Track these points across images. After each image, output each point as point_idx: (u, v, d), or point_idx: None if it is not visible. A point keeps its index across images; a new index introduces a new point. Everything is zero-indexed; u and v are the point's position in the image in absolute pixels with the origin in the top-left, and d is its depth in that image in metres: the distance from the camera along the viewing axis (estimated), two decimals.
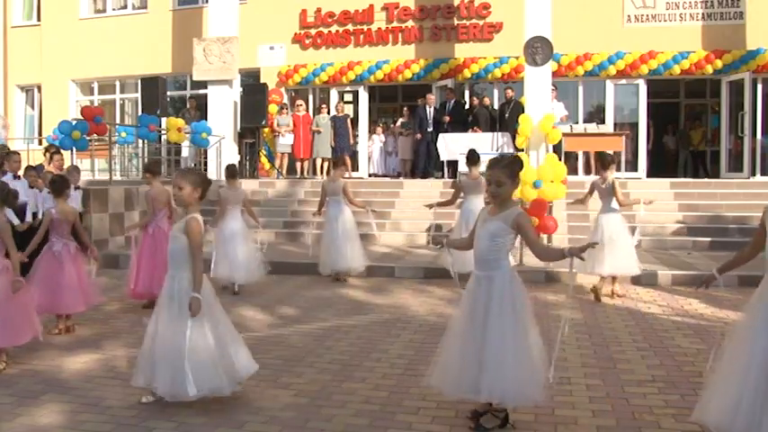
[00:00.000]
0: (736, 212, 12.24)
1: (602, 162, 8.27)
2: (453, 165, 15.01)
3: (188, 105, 18.06)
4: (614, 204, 8.06)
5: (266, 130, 17.55)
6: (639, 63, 16.53)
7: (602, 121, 16.99)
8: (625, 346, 5.97)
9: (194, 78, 17.66)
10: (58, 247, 6.40)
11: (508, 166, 4.03)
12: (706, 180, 15.32)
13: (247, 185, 15.00)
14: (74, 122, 12.68)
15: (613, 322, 6.90)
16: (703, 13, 16.58)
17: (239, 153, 17.55)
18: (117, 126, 17.78)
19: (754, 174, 15.90)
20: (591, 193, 8.37)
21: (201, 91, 18.14)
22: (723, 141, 16.87)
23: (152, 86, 16.51)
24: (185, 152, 17.53)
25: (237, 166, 16.98)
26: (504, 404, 4.00)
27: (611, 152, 13.87)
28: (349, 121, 17.37)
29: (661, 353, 5.74)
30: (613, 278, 8.21)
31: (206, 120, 16.62)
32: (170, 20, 19.51)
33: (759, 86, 16.41)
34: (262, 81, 18.07)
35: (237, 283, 8.36)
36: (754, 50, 16.09)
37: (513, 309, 3.92)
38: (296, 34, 18.56)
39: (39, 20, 21.42)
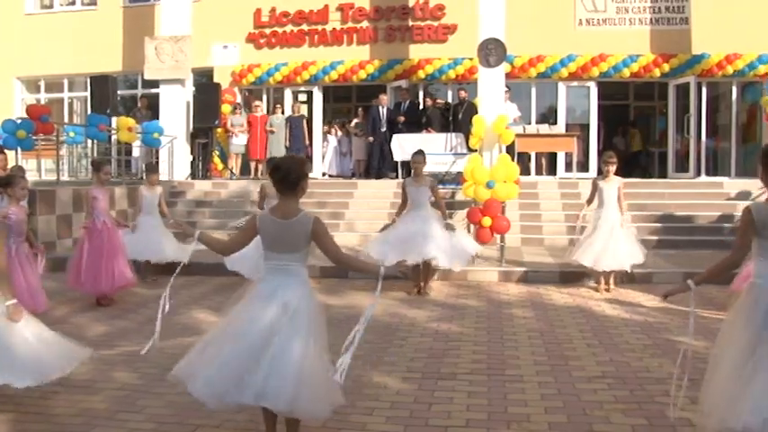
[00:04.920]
0: (683, 212, 12.52)
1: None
2: (407, 165, 15.04)
3: (139, 105, 17.76)
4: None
5: (219, 130, 17.35)
6: (590, 66, 16.81)
7: (555, 123, 17.22)
8: (576, 344, 6.07)
9: (146, 77, 17.36)
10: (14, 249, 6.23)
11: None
12: (654, 180, 15.64)
13: (200, 186, 14.90)
14: (18, 121, 12.37)
15: (565, 320, 7.00)
16: (651, 18, 16.93)
17: (192, 153, 17.32)
18: (65, 125, 17.40)
19: (699, 174, 16.29)
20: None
21: (153, 90, 17.86)
22: (670, 143, 17.28)
23: (102, 85, 16.19)
24: (136, 152, 17.23)
25: (190, 166, 17.04)
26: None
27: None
28: (304, 121, 17.30)
29: (611, 349, 5.85)
30: (608, 273, 8.61)
31: (158, 119, 16.36)
32: (120, 17, 19.15)
33: (704, 90, 16.85)
34: (215, 81, 17.86)
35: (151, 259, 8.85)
36: (698, 55, 16.50)
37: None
38: (250, 34, 18.41)
39: None
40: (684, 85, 16.69)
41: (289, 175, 3.69)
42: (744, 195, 13.02)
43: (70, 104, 20.67)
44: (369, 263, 4.62)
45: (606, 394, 4.74)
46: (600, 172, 9.29)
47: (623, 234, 8.56)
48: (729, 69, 16.42)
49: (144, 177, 9.55)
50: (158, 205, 9.15)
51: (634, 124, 19.56)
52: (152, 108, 17.34)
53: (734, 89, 17.13)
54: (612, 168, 8.63)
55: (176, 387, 4.83)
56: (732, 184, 13.73)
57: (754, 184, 13.22)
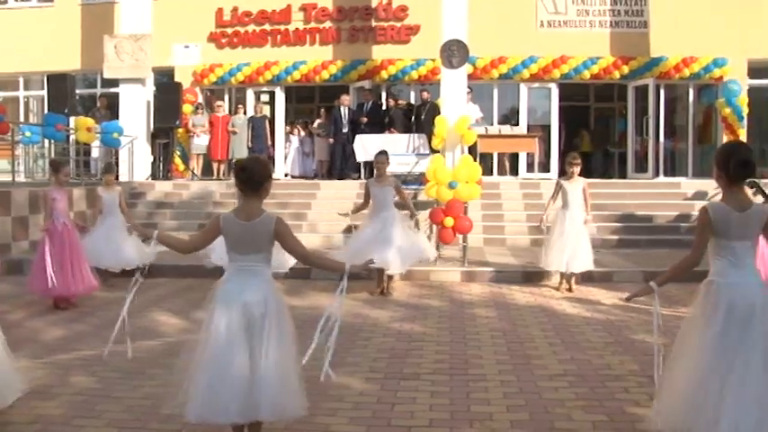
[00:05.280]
0: (642, 211, 12.72)
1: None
2: (370, 166, 15.04)
3: (98, 104, 17.44)
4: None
5: (181, 130, 17.15)
6: (552, 67, 16.98)
7: (516, 123, 17.37)
8: (538, 343, 6.12)
9: (105, 76, 17.10)
10: None
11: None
12: (614, 180, 15.86)
13: (161, 187, 14.70)
14: None
15: (527, 320, 7.05)
16: (611, 21, 17.17)
17: (152, 154, 17.10)
18: (21, 125, 17.02)
19: (657, 174, 16.58)
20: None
21: (113, 89, 17.58)
22: (630, 143, 17.55)
23: (60, 84, 15.86)
24: (95, 153, 16.93)
25: (150, 167, 16.82)
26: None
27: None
28: (267, 121, 17.20)
29: (572, 348, 5.91)
30: (571, 274, 8.66)
31: (117, 119, 16.12)
32: (78, 14, 18.79)
33: (662, 92, 17.15)
34: (176, 80, 17.66)
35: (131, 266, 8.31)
36: (657, 58, 16.79)
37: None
38: (212, 33, 18.22)
39: None
40: (643, 86, 16.97)
41: (253, 176, 3.71)
42: (700, 195, 13.29)
43: (26, 103, 20.23)
44: (335, 261, 4.64)
45: (567, 392, 4.78)
46: (564, 173, 9.30)
47: (587, 234, 8.70)
48: (686, 72, 16.74)
49: (102, 178, 9.37)
50: (119, 205, 8.92)
51: (586, 126, 19.74)
52: (111, 108, 17.07)
53: (690, 91, 17.47)
54: (577, 169, 8.65)
55: (136, 390, 4.78)
56: (689, 185, 14.00)
57: (710, 185, 13.49)
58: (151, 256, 8.19)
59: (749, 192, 7.52)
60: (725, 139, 16.28)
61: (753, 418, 3.32)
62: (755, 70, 16.74)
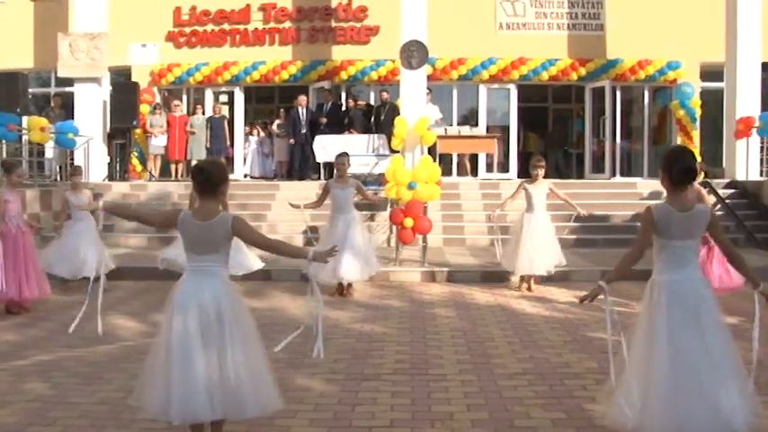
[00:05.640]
0: (599, 211, 12.87)
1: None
2: (330, 166, 15.01)
3: (52, 104, 17.06)
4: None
5: (138, 130, 16.90)
6: (511, 69, 17.15)
7: (476, 124, 17.50)
8: (498, 342, 6.17)
9: (59, 75, 16.72)
10: None
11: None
12: (572, 181, 16.06)
13: (118, 188, 14.48)
14: None
15: (486, 319, 7.10)
16: (569, 24, 17.41)
17: (109, 154, 16.81)
18: None
19: (614, 175, 16.84)
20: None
21: (67, 89, 17.24)
22: (587, 144, 17.81)
23: (11, 82, 15.47)
24: (49, 153, 16.57)
25: (107, 168, 16.54)
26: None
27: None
28: (226, 122, 17.05)
29: (531, 347, 5.97)
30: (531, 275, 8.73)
31: (72, 119, 15.81)
32: (31, 11, 18.39)
33: (618, 94, 17.43)
34: (133, 80, 17.40)
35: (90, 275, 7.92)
36: (613, 60, 17.08)
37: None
38: (170, 32, 18.00)
39: None
40: (600, 88, 17.25)
41: (210, 177, 3.78)
42: (655, 195, 13.48)
43: None
44: (298, 247, 4.80)
45: (527, 390, 4.83)
46: (527, 174, 9.29)
47: (551, 235, 8.75)
48: (642, 74, 17.07)
49: (57, 180, 9.17)
50: (89, 208, 8.49)
51: (533, 128, 19.87)
52: (66, 107, 16.73)
53: (646, 93, 17.81)
54: (541, 172, 8.65)
55: (92, 395, 4.70)
56: (644, 185, 14.25)
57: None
58: (110, 266, 8.08)
59: (703, 191, 7.70)
60: (679, 140, 16.63)
61: (707, 404, 3.51)
62: (707, 73, 17.13)
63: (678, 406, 3.51)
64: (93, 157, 15.64)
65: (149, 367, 3.75)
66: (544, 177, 8.82)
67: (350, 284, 8.45)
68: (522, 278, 8.80)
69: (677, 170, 3.78)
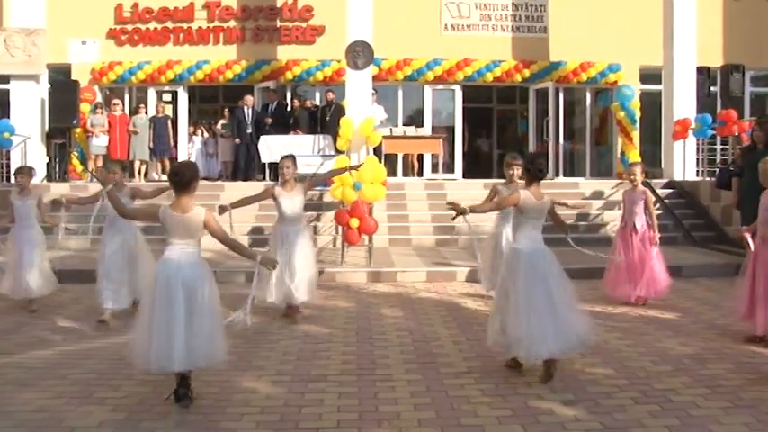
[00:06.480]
0: None
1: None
2: (275, 167, 14.90)
3: None
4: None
5: (78, 130, 16.49)
6: (455, 70, 17.31)
7: (421, 125, 17.62)
8: (443, 341, 6.21)
9: None
10: None
11: None
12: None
13: (57, 189, 14.09)
14: None
15: (432, 318, 7.14)
16: (513, 26, 17.66)
17: (48, 154, 16.38)
18: None
19: (558, 175, 17.14)
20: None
21: (3, 86, 16.71)
22: (531, 145, 18.07)
23: None
24: None
25: (46, 168, 16.09)
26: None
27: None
28: (170, 122, 16.77)
29: (476, 345, 6.01)
30: None
31: (8, 118, 15.35)
32: None
33: (561, 95, 17.75)
34: (73, 78, 16.99)
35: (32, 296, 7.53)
36: (556, 62, 17.40)
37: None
38: (111, 30, 17.62)
39: None
40: (543, 90, 17.54)
41: (183, 178, 4.65)
42: (597, 195, 13.81)
43: None
44: (248, 249, 5.39)
45: (473, 389, 4.87)
46: (503, 176, 8.20)
47: None
48: (583, 76, 17.44)
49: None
50: (38, 213, 7.77)
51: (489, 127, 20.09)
52: (2, 105, 16.24)
53: (587, 95, 18.19)
54: (518, 171, 7.49)
55: (29, 404, 4.56)
56: (587, 185, 14.53)
57: (607, 184, 14.10)
58: (53, 285, 7.71)
59: (648, 192, 7.91)
60: (620, 141, 17.02)
61: (549, 329, 4.89)
62: (646, 76, 17.60)
63: (534, 330, 4.86)
64: (31, 157, 15.20)
65: (136, 327, 4.61)
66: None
67: (297, 310, 7.25)
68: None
69: (532, 170, 5.18)
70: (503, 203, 5.82)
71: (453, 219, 5.39)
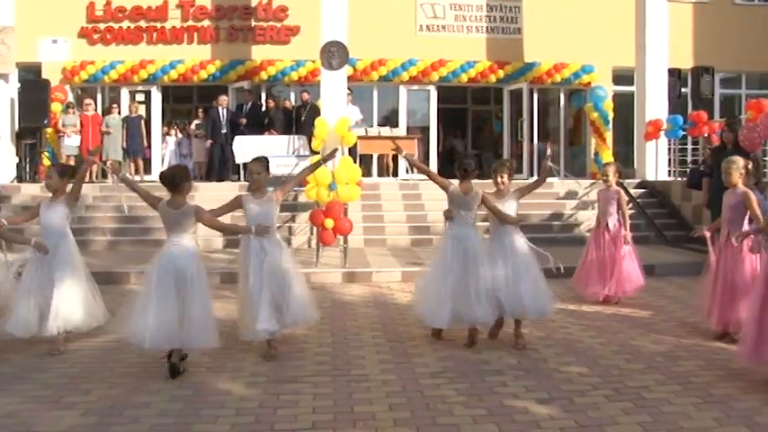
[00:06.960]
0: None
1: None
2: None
3: None
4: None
5: (49, 130, 16.28)
6: (430, 70, 17.36)
7: (396, 125, 17.64)
8: (418, 341, 6.22)
9: None
10: None
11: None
12: (490, 181, 16.33)
13: (27, 190, 13.92)
14: None
15: (407, 318, 7.13)
16: (487, 27, 17.75)
17: (18, 155, 16.14)
18: None
19: (531, 175, 17.21)
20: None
21: None
22: (505, 145, 18.18)
23: None
24: None
25: (16, 168, 15.85)
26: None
27: None
28: (143, 122, 16.61)
29: (451, 345, 6.04)
30: None
31: None
32: None
33: (535, 96, 17.88)
34: (43, 77, 16.77)
35: None
36: (530, 63, 17.53)
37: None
38: (83, 28, 17.40)
39: None
40: (518, 90, 17.65)
41: (173, 180, 5.39)
42: (571, 195, 13.93)
43: None
44: (239, 225, 6.09)
45: (448, 388, 4.88)
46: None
47: (532, 264, 7.76)
48: (557, 77, 17.59)
49: None
50: None
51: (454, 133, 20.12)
52: None
53: (561, 96, 18.34)
54: (505, 179, 6.43)
55: None
56: (561, 185, 14.63)
57: (581, 185, 14.21)
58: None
59: (622, 192, 8.00)
60: (593, 141, 17.18)
61: (446, 303, 5.92)
62: (619, 77, 17.79)
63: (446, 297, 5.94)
64: (1, 158, 14.99)
65: (134, 307, 5.20)
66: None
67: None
68: None
69: (462, 169, 6.14)
70: (437, 179, 6.42)
71: (393, 149, 7.07)
